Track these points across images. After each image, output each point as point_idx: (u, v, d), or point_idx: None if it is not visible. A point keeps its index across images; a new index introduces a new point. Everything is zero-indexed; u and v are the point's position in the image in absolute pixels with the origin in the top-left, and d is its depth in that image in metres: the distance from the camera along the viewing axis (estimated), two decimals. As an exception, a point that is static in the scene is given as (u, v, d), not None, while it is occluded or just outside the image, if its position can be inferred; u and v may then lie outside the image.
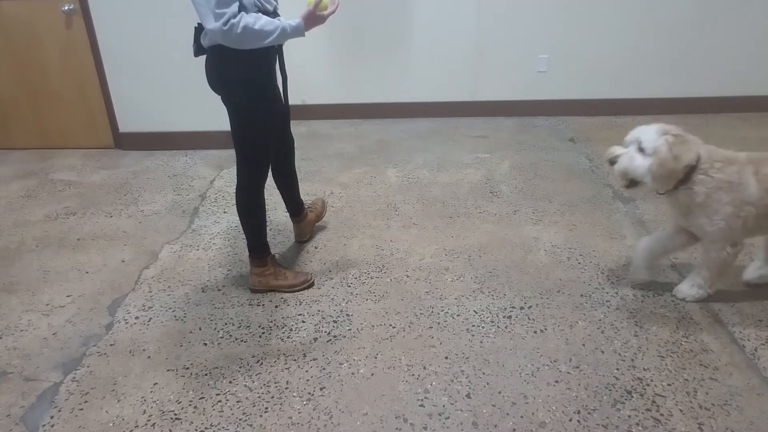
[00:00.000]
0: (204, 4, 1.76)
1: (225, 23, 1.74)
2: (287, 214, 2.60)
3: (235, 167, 2.16)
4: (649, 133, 1.89)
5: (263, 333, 2.04)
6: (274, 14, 1.98)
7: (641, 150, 1.89)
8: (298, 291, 2.27)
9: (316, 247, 2.60)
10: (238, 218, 2.37)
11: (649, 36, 4.08)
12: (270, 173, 2.28)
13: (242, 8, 1.81)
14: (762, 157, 1.92)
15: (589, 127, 4.06)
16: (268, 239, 2.29)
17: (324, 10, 1.94)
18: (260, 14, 1.85)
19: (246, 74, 1.96)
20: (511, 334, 1.99)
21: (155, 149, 3.90)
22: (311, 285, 2.30)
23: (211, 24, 1.76)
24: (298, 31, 1.90)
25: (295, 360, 1.90)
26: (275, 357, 1.92)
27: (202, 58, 2.03)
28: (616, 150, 1.96)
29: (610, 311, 2.09)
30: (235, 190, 2.18)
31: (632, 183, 1.95)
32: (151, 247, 2.67)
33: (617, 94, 4.25)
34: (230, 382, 1.82)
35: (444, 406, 1.69)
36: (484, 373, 1.81)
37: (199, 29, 1.96)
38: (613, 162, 1.95)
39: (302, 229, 2.63)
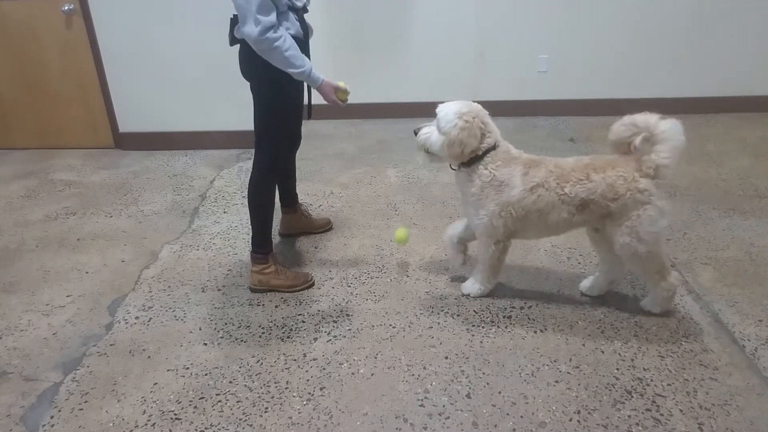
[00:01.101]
0: (245, 5, 1.83)
1: (261, 33, 1.83)
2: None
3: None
4: (448, 113, 1.93)
5: (263, 333, 2.04)
6: (303, 10, 2.08)
7: (438, 127, 1.97)
8: (298, 291, 2.27)
9: (316, 247, 2.60)
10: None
11: (649, 36, 4.08)
12: None
13: (273, 4, 1.88)
14: (538, 161, 1.94)
15: (589, 127, 4.05)
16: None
17: (340, 99, 2.11)
18: (293, 41, 1.93)
19: (274, 74, 1.99)
20: (511, 334, 1.99)
21: (155, 149, 3.90)
22: (311, 285, 2.30)
23: (248, 27, 1.84)
24: (314, 82, 2.03)
25: (295, 360, 1.90)
26: (275, 357, 1.92)
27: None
28: (423, 125, 2.04)
29: (610, 311, 2.09)
30: (247, 184, 2.24)
31: (430, 154, 2.03)
32: (151, 247, 2.66)
33: (617, 94, 4.25)
34: (230, 382, 1.82)
35: (444, 406, 1.69)
36: (484, 373, 1.81)
37: (235, 20, 2.00)
38: (416, 133, 2.04)
39: (289, 222, 2.66)
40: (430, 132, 1.99)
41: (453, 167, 2.05)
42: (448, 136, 1.91)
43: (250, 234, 2.28)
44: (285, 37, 1.89)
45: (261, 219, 2.25)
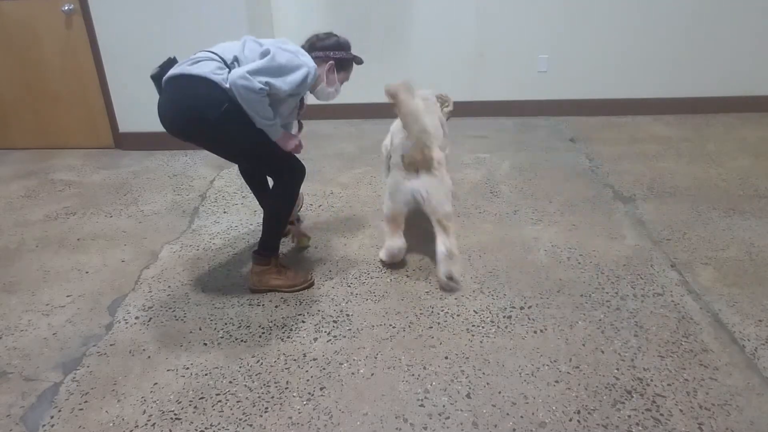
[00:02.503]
0: (274, 67, 1.93)
1: (261, 89, 1.90)
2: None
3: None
4: None
5: (263, 333, 2.04)
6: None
7: None
8: (298, 291, 2.27)
9: (316, 247, 2.60)
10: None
11: (650, 36, 4.08)
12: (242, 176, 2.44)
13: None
14: None
15: (589, 127, 4.06)
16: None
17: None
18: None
19: (234, 111, 1.98)
20: (511, 334, 1.99)
21: (155, 149, 3.90)
22: (311, 285, 2.30)
23: (244, 70, 1.89)
24: (276, 134, 2.08)
25: (295, 360, 1.90)
26: (275, 357, 1.92)
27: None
28: None
29: (610, 311, 2.09)
30: (271, 195, 2.24)
31: None
32: (151, 247, 2.67)
33: (617, 94, 4.26)
34: (230, 382, 1.82)
35: (444, 406, 1.69)
36: (484, 373, 1.81)
37: (162, 73, 2.07)
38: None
39: None
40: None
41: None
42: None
43: (259, 237, 2.27)
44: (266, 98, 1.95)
45: (278, 229, 2.26)
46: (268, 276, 2.25)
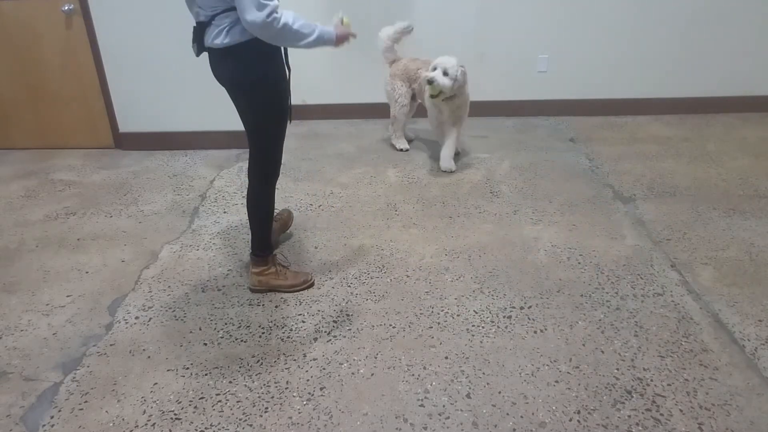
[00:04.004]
0: None
1: (268, 15, 1.71)
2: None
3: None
4: (454, 65, 3.10)
5: (263, 333, 2.04)
6: None
7: (445, 74, 3.07)
8: (299, 291, 2.27)
9: (316, 247, 2.60)
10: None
11: (649, 36, 4.08)
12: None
13: None
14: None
15: (589, 127, 4.06)
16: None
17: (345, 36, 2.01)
18: (296, 13, 1.81)
19: (260, 71, 1.93)
20: (511, 334, 1.99)
21: (155, 149, 3.90)
22: (311, 285, 2.30)
23: (252, 15, 1.71)
24: (330, 41, 1.92)
25: (295, 360, 1.90)
26: (275, 357, 1.92)
27: (204, 57, 2.02)
28: (430, 73, 3.11)
29: (610, 311, 2.09)
30: (247, 185, 2.19)
31: (440, 94, 3.13)
32: (151, 247, 2.67)
33: (617, 94, 4.25)
34: (230, 382, 1.82)
35: (444, 406, 1.69)
36: (484, 373, 1.81)
37: (199, 29, 1.94)
38: (431, 81, 3.07)
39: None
40: (442, 80, 3.06)
41: (443, 98, 3.17)
42: (456, 79, 3.09)
43: (250, 236, 2.27)
44: (286, 12, 1.79)
45: (261, 223, 2.23)
46: (268, 276, 2.25)
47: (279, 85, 2.00)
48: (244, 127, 2.10)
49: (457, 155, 3.53)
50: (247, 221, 2.26)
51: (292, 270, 2.33)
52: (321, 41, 1.88)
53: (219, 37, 1.87)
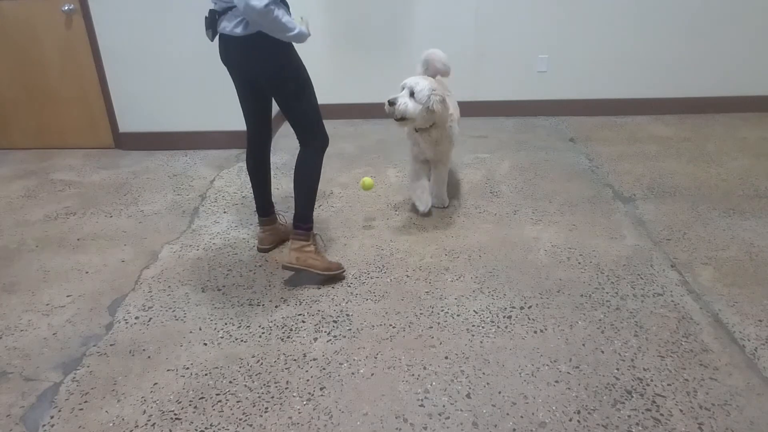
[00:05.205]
0: None
1: (267, 5, 1.86)
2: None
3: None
4: (423, 89, 2.46)
5: (263, 333, 2.04)
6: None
7: (412, 96, 2.47)
8: (330, 276, 2.29)
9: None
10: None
11: (649, 36, 4.08)
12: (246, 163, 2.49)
13: None
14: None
15: (589, 127, 4.06)
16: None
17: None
18: (284, 10, 2.00)
19: (286, 48, 2.08)
20: (511, 334, 1.99)
21: (155, 149, 3.90)
22: (343, 276, 2.34)
23: (254, 1, 1.85)
24: (303, 38, 2.07)
25: (295, 360, 1.90)
26: (275, 357, 1.92)
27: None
28: (395, 96, 2.49)
29: (610, 311, 2.09)
30: (299, 162, 2.29)
31: (403, 120, 2.50)
32: (151, 247, 2.66)
33: (617, 94, 4.26)
34: (230, 382, 1.82)
35: (444, 406, 1.69)
36: (484, 373, 1.81)
37: (212, 17, 2.08)
38: (392, 103, 2.47)
39: (271, 234, 2.58)
40: (405, 102, 2.46)
41: (416, 128, 2.61)
42: (428, 106, 2.46)
43: (293, 210, 2.29)
44: (279, 9, 1.95)
45: (312, 195, 2.30)
46: (307, 254, 2.25)
47: (298, 60, 2.15)
48: (287, 114, 2.24)
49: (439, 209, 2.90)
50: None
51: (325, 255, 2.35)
52: (298, 37, 2.04)
53: (239, 27, 2.02)
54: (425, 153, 2.74)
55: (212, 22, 2.10)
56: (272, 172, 2.55)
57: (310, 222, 2.29)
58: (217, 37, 2.16)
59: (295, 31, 2.00)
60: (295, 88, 2.16)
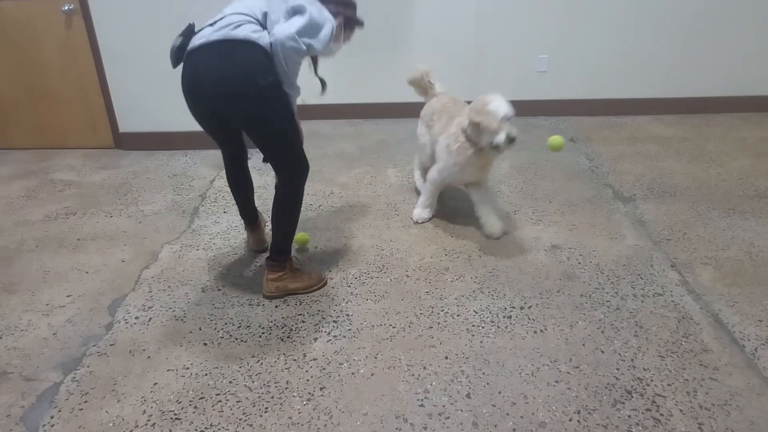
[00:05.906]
0: (308, 22, 1.84)
1: (294, 39, 1.81)
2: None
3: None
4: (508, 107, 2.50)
5: (263, 333, 2.04)
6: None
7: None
8: (315, 291, 2.25)
9: (316, 247, 2.60)
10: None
11: (649, 36, 4.08)
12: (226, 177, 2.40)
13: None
14: None
15: (589, 127, 4.06)
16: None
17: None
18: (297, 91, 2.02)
19: (278, 89, 1.94)
20: (511, 334, 1.99)
21: (155, 149, 3.90)
22: (326, 284, 2.30)
23: (290, 29, 1.81)
24: (296, 96, 2.04)
25: (295, 360, 1.90)
26: (275, 357, 1.92)
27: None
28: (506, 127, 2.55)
29: (610, 311, 2.09)
30: (278, 195, 2.12)
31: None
32: (151, 247, 2.66)
33: (617, 94, 4.26)
34: (230, 382, 1.82)
35: (444, 406, 1.69)
36: (484, 373, 1.81)
37: (179, 52, 1.96)
38: (513, 139, 2.53)
39: (259, 236, 2.57)
40: (516, 131, 2.56)
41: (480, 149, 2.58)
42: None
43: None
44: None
45: (290, 230, 2.18)
46: (284, 281, 2.20)
47: (285, 92, 2.00)
48: (258, 143, 2.05)
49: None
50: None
51: (306, 272, 2.31)
52: (295, 92, 2.02)
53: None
54: (468, 177, 2.62)
55: (178, 54, 1.97)
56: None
57: (287, 254, 2.20)
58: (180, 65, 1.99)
59: (295, 87, 1.97)
60: (266, 116, 1.95)
